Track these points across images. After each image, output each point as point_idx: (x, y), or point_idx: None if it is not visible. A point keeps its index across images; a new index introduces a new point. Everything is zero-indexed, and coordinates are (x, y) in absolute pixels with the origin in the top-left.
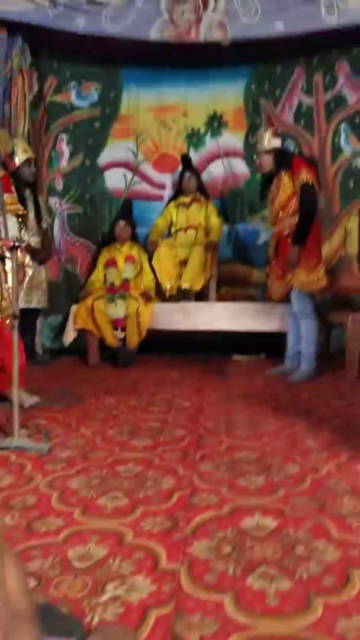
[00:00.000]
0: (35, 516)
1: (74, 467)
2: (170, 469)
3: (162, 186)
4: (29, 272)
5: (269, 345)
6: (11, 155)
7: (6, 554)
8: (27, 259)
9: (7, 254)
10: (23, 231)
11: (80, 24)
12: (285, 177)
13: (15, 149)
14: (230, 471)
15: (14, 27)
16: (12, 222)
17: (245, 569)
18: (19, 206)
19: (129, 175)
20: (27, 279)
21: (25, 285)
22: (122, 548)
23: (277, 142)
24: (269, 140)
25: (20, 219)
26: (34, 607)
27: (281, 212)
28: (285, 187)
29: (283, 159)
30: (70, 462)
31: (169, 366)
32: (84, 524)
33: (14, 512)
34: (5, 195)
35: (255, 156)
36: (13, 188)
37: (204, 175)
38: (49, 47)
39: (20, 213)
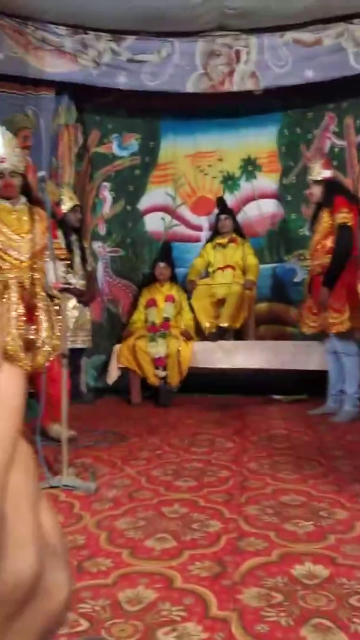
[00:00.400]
0: (85, 556)
1: (121, 507)
2: (215, 512)
3: (199, 228)
4: (75, 313)
5: (310, 384)
6: (58, 203)
7: (43, 497)
8: (74, 300)
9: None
10: (70, 274)
11: (121, 80)
12: (325, 214)
13: (62, 197)
14: (278, 515)
15: (61, 87)
16: (60, 266)
17: (298, 620)
18: (64, 251)
19: (168, 218)
20: (73, 320)
21: (71, 325)
22: (172, 592)
23: (326, 173)
24: (319, 171)
25: (66, 263)
26: (66, 549)
27: (318, 246)
28: (323, 224)
29: (328, 193)
30: (116, 502)
31: (209, 405)
32: (132, 566)
33: None
34: (53, 241)
35: (307, 187)
36: (59, 234)
37: (240, 217)
38: (92, 103)
39: (64, 257)
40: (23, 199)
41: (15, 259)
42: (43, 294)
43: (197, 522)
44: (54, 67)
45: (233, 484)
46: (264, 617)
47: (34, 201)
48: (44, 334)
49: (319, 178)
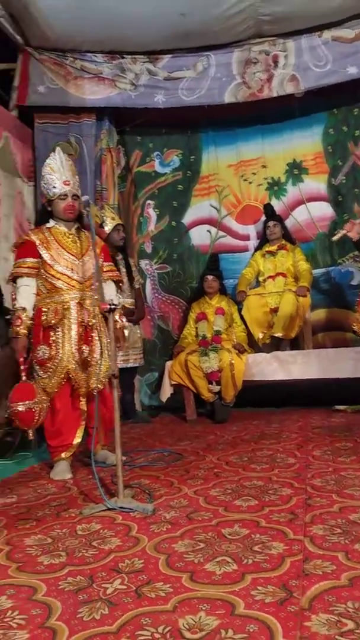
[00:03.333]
0: (143, 581)
1: (179, 529)
2: (278, 532)
3: (246, 237)
4: (126, 332)
5: None
6: (101, 224)
7: None
8: (123, 319)
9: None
10: (117, 294)
11: (159, 99)
12: None
13: (104, 218)
14: (346, 535)
15: (101, 112)
16: (110, 287)
17: None
18: (116, 272)
19: (214, 230)
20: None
21: (125, 345)
22: (234, 619)
23: None
24: None
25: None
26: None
27: None
28: None
29: None
30: (174, 524)
31: (267, 419)
32: (193, 591)
33: (123, 575)
34: (106, 263)
35: None
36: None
37: (289, 222)
38: (132, 123)
39: (117, 279)
40: (77, 223)
41: (73, 280)
42: (100, 314)
43: (259, 543)
44: (94, 93)
45: (296, 502)
46: None
47: (84, 225)
48: (97, 354)
49: None
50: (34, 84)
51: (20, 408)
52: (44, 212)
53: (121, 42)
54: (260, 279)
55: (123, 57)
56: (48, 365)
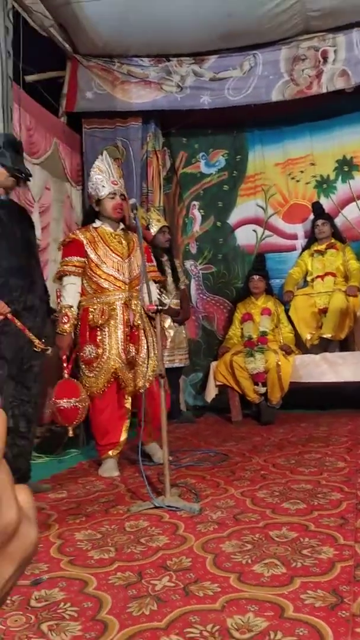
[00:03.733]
0: (191, 579)
1: (226, 530)
2: (328, 537)
3: (294, 237)
4: (171, 333)
5: None
6: (147, 227)
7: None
8: (169, 321)
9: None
10: (163, 295)
11: (205, 100)
12: None
13: (150, 220)
14: None
15: (147, 115)
16: (154, 288)
17: None
18: (158, 273)
19: (260, 230)
20: (169, 339)
21: (168, 345)
22: (283, 622)
23: None
24: None
25: (160, 284)
26: (35, 514)
27: None
28: None
29: None
30: (221, 524)
31: (315, 422)
32: (241, 592)
33: (171, 573)
34: (148, 264)
35: None
36: (152, 257)
37: (338, 220)
38: (178, 125)
39: (159, 280)
40: (122, 225)
41: (120, 280)
42: (145, 314)
43: (308, 547)
44: (140, 97)
45: (347, 507)
46: None
47: (129, 227)
48: (143, 354)
49: None
50: (82, 91)
51: (65, 405)
52: (90, 213)
53: (167, 45)
54: (308, 278)
55: (169, 60)
56: (94, 364)
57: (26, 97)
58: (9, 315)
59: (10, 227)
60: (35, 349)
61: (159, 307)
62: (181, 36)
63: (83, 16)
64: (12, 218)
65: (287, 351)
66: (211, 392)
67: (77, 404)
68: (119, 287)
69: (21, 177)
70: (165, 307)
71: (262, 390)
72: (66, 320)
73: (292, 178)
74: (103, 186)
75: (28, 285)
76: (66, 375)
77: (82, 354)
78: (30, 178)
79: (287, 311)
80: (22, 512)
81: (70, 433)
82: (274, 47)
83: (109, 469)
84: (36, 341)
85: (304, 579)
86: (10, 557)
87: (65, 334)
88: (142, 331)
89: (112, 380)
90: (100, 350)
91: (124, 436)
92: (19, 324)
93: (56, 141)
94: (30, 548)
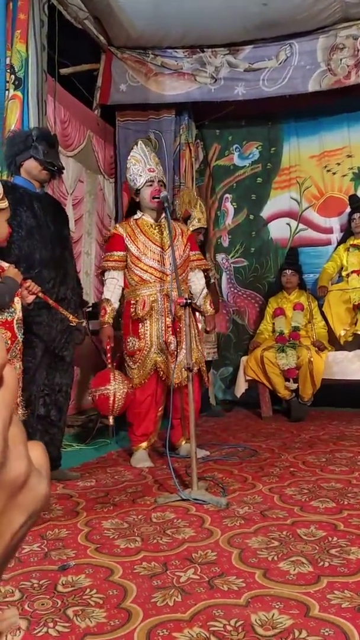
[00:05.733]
0: (216, 573)
1: (253, 525)
2: (357, 537)
3: (329, 230)
4: (200, 326)
5: None
6: (186, 219)
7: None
8: (197, 314)
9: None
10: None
11: (239, 92)
12: None
13: (192, 214)
14: None
15: (180, 107)
16: (197, 275)
17: None
18: (204, 261)
19: (294, 223)
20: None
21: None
22: (308, 621)
23: None
24: None
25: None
26: (47, 469)
27: None
28: None
29: None
30: (248, 519)
31: (348, 420)
32: (266, 588)
33: (196, 566)
34: (192, 252)
35: None
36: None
37: None
38: (211, 117)
39: (204, 268)
40: (162, 214)
41: (159, 271)
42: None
43: (336, 547)
44: (174, 89)
45: None
46: None
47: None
48: (184, 346)
49: None
50: (116, 83)
51: (96, 393)
52: (132, 205)
53: (202, 36)
54: (343, 273)
55: (203, 51)
56: (137, 356)
57: (61, 90)
58: (41, 294)
59: (44, 220)
60: (70, 323)
61: (188, 301)
62: (216, 26)
63: (117, 8)
64: (47, 211)
65: (320, 347)
66: (241, 387)
67: (105, 391)
68: (160, 278)
69: (54, 170)
70: (195, 301)
71: (293, 386)
72: (103, 313)
73: (328, 170)
74: (140, 175)
75: (61, 278)
76: (108, 365)
77: (125, 345)
78: (63, 171)
79: (320, 307)
80: (33, 466)
81: (110, 422)
82: (310, 37)
83: (142, 459)
84: (70, 316)
85: (331, 579)
86: (20, 508)
87: (105, 326)
88: (184, 323)
89: (152, 372)
90: (142, 343)
91: (157, 429)
92: (51, 301)
93: (90, 134)
94: (40, 500)
